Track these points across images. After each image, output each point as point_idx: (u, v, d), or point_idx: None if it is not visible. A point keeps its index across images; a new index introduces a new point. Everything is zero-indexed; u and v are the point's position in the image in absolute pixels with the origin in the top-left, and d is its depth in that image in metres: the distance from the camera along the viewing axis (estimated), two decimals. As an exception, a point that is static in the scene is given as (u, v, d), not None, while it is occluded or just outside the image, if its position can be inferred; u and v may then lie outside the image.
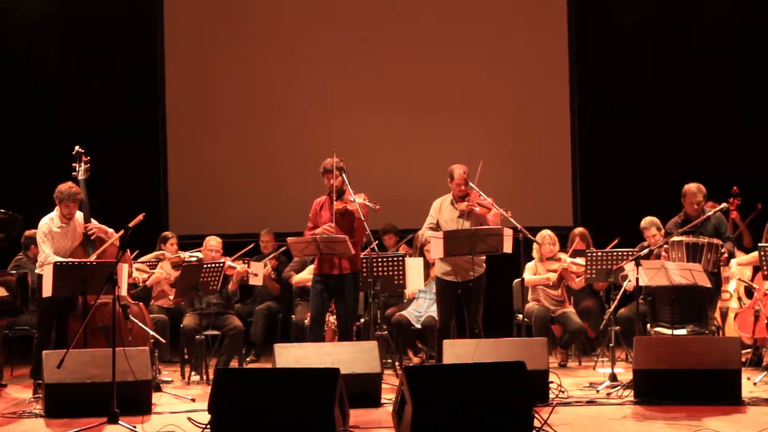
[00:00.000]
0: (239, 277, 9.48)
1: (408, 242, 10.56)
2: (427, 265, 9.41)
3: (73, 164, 8.46)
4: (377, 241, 8.47)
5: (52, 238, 8.12)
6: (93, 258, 8.05)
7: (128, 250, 7.62)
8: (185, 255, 9.63)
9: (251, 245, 10.17)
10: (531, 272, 9.49)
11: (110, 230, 8.30)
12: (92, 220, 8.29)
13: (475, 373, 6.15)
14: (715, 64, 11.87)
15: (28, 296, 8.68)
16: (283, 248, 10.03)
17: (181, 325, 9.12)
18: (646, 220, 9.39)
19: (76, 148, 8.50)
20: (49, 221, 8.18)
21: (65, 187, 8.17)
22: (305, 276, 9.53)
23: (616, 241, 9.92)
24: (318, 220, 8.43)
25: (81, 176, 8.39)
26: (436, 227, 8.59)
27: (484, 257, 8.61)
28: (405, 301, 9.73)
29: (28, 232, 9.31)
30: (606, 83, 12.07)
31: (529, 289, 9.49)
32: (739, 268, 9.25)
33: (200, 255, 9.50)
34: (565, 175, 12.12)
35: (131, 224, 7.69)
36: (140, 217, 8.11)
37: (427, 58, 12.10)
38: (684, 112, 11.87)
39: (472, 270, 8.44)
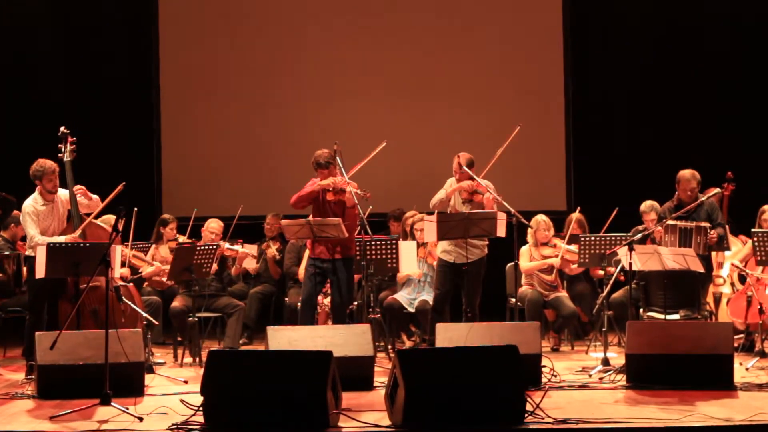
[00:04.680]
0: (242, 261, 9.48)
1: (396, 218, 10.49)
2: (418, 246, 9.43)
3: (59, 145, 8.19)
4: (362, 225, 8.47)
5: (37, 216, 7.98)
6: (78, 232, 7.96)
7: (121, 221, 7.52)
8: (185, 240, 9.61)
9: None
10: (526, 257, 9.48)
11: (94, 196, 8.16)
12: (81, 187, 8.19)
13: (467, 357, 6.15)
14: (711, 48, 11.88)
15: (21, 277, 8.65)
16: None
17: (170, 307, 9.14)
18: (647, 204, 9.37)
19: (62, 128, 8.24)
20: (33, 201, 8.04)
21: (41, 162, 7.99)
22: None
23: (615, 212, 9.81)
24: (316, 203, 8.45)
25: (67, 158, 8.13)
26: (446, 201, 8.65)
27: (486, 241, 8.64)
28: (399, 284, 9.73)
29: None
30: (600, 67, 12.06)
31: (523, 274, 9.49)
32: (734, 257, 9.22)
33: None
34: (559, 160, 12.11)
35: (111, 196, 7.68)
36: (120, 187, 8.03)
37: (423, 45, 12.08)
38: (679, 96, 11.86)
39: (467, 253, 8.46)
